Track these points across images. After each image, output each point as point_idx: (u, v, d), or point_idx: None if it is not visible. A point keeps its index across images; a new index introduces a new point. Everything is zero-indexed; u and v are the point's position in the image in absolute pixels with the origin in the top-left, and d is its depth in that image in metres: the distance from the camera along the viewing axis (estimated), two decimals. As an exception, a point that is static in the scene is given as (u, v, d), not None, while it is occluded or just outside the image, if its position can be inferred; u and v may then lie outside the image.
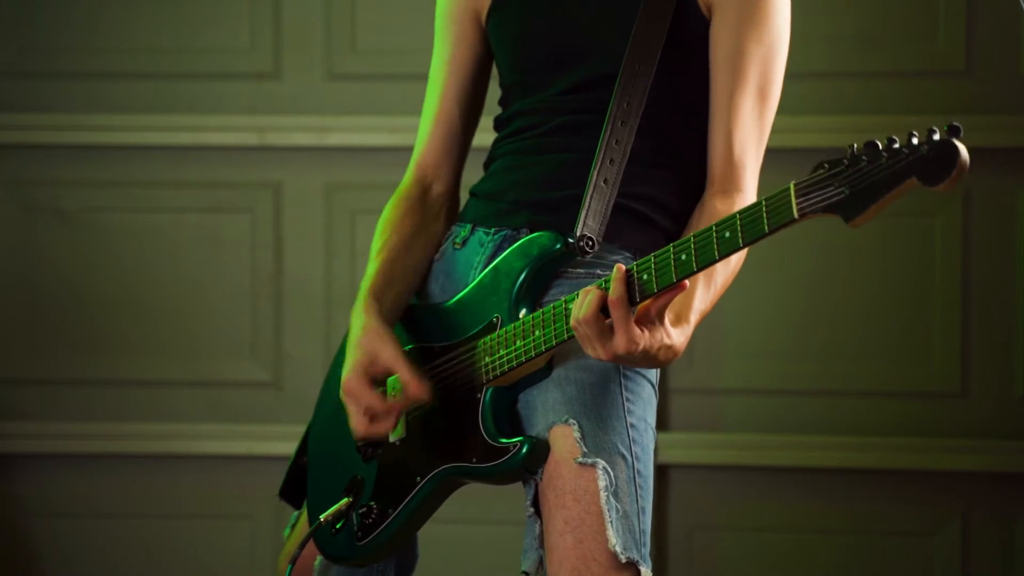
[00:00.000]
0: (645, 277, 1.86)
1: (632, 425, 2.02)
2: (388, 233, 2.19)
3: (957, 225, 3.60)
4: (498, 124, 2.22)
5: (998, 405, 3.60)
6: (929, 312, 3.61)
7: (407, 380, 2.05)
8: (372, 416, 2.07)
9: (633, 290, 1.87)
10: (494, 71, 2.26)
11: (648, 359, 1.90)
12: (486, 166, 2.23)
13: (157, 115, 3.72)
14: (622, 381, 2.03)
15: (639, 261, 1.88)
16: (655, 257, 1.86)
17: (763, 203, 1.78)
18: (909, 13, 3.61)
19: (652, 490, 2.03)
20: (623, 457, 1.99)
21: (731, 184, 2.06)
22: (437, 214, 2.24)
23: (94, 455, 3.74)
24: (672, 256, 1.85)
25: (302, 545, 2.16)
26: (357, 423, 2.08)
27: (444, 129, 2.25)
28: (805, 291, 3.63)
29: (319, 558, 2.20)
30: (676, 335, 1.93)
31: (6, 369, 3.76)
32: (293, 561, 2.15)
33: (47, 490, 3.77)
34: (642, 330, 1.87)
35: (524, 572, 2.03)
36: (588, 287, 1.90)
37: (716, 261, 1.82)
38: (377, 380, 2.08)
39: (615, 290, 1.86)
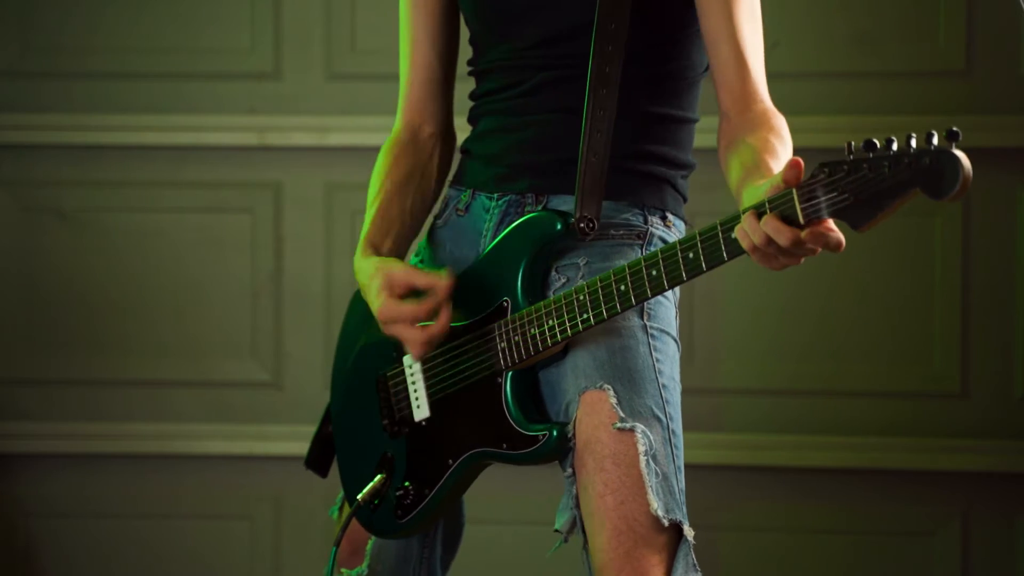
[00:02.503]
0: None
1: (663, 385, 2.04)
2: (381, 179, 2.21)
3: (957, 225, 3.60)
4: (473, 73, 2.23)
5: (998, 405, 3.60)
6: (929, 312, 3.61)
7: (429, 279, 2.05)
8: (419, 323, 2.06)
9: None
10: None
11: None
12: (471, 120, 2.23)
13: (157, 115, 3.72)
14: (650, 341, 2.05)
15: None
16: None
17: (767, 204, 1.77)
18: (909, 13, 3.61)
19: (683, 446, 2.05)
20: (658, 419, 2.01)
21: (755, 97, 2.05)
22: (431, 154, 2.25)
23: (94, 455, 3.74)
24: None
25: (344, 527, 2.19)
26: (412, 337, 2.05)
27: (423, 75, 2.26)
28: (805, 291, 3.63)
29: (371, 540, 2.23)
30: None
31: (6, 369, 3.76)
32: (338, 543, 2.19)
33: (47, 490, 3.77)
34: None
35: (557, 531, 2.05)
36: (747, 215, 1.79)
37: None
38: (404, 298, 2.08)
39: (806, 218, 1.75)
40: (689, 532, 1.99)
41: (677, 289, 2.13)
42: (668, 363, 2.06)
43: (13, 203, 3.76)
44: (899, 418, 3.61)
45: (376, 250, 2.13)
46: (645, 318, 2.05)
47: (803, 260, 1.80)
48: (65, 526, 3.77)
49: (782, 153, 1.98)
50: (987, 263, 3.60)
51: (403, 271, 2.07)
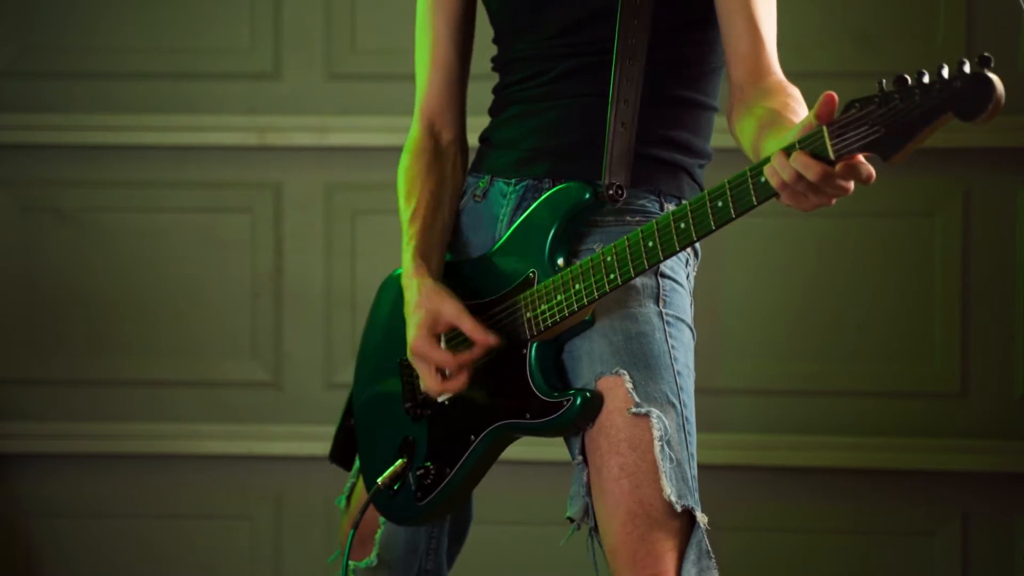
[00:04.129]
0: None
1: (678, 372, 2.04)
2: (416, 191, 2.19)
3: (957, 225, 3.60)
4: (497, 67, 2.22)
5: (998, 405, 3.60)
6: (929, 312, 3.61)
7: (474, 332, 2.06)
8: (443, 373, 2.07)
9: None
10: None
11: None
12: (492, 112, 2.23)
13: (157, 115, 3.72)
14: (666, 328, 2.05)
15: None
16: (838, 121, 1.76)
17: (796, 145, 1.76)
18: (909, 13, 3.61)
19: (696, 433, 2.05)
20: (672, 405, 2.01)
21: (772, 72, 2.05)
22: (453, 164, 2.25)
23: (94, 455, 3.74)
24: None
25: (363, 510, 2.18)
26: (431, 382, 2.08)
27: (443, 75, 2.25)
28: (805, 291, 3.63)
29: (380, 530, 2.23)
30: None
31: (6, 369, 3.76)
32: (355, 526, 2.18)
33: (47, 490, 3.77)
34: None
35: (569, 518, 2.05)
36: (777, 154, 1.78)
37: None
38: (442, 337, 2.09)
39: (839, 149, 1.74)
40: (702, 518, 2.00)
41: (692, 278, 2.14)
42: (683, 350, 2.07)
43: (13, 203, 3.76)
44: (899, 418, 3.61)
45: (427, 263, 2.13)
46: (661, 304, 2.06)
47: (834, 201, 1.78)
48: (65, 526, 3.77)
49: (802, 113, 1.95)
50: (987, 263, 3.60)
51: (453, 312, 2.07)
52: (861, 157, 1.74)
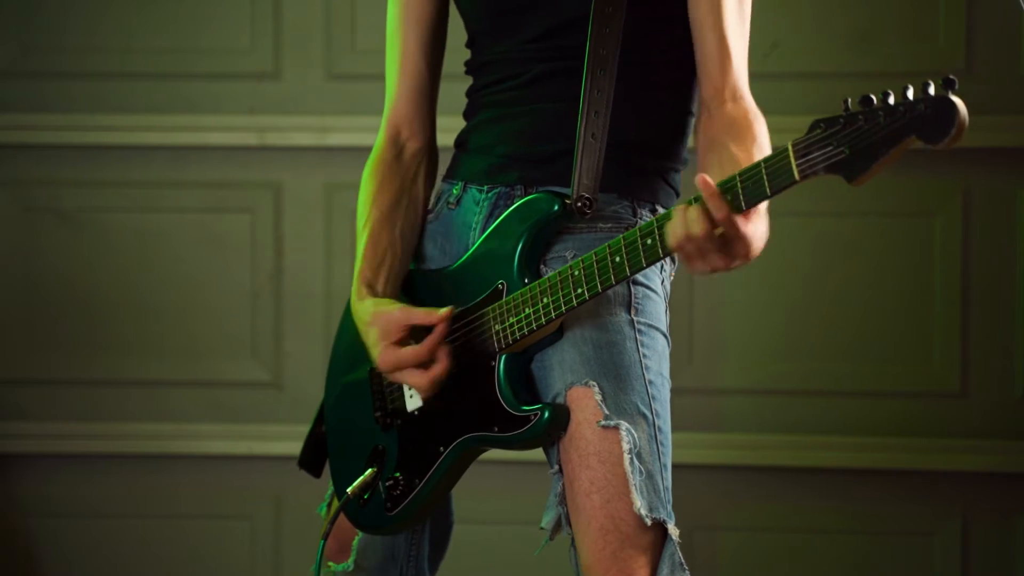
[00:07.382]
0: (729, 198, 1.81)
1: (650, 382, 2.02)
2: (368, 207, 2.19)
3: (957, 225, 3.60)
4: (471, 70, 2.21)
5: (998, 405, 3.60)
6: (929, 312, 3.61)
7: (427, 317, 2.05)
8: (423, 366, 2.05)
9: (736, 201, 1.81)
10: (453, 11, 2.24)
11: (753, 253, 1.85)
12: (466, 115, 2.22)
13: (157, 115, 3.72)
14: (637, 337, 2.04)
15: (721, 181, 1.81)
16: (740, 176, 1.80)
17: (762, 165, 1.77)
18: (909, 13, 3.61)
19: (671, 444, 2.04)
20: (644, 416, 2.00)
21: (736, 92, 2.05)
22: (415, 174, 2.23)
23: (94, 455, 3.74)
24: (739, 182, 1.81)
25: (333, 519, 2.17)
26: (417, 380, 2.05)
27: (411, 84, 2.24)
28: (805, 291, 3.63)
29: (358, 536, 2.22)
30: (763, 220, 1.86)
31: (6, 369, 3.76)
32: (325, 536, 2.17)
33: (47, 490, 3.77)
34: (753, 222, 1.82)
35: (542, 528, 2.05)
36: (678, 206, 1.84)
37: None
38: (403, 341, 2.07)
39: (720, 207, 1.79)
40: (674, 531, 1.98)
41: (668, 284, 2.13)
42: (656, 359, 2.05)
43: (13, 203, 3.76)
44: (899, 418, 3.61)
45: (371, 289, 2.12)
46: (633, 313, 2.05)
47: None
48: (65, 526, 3.78)
49: (765, 153, 1.97)
50: (987, 263, 3.60)
51: (399, 313, 2.06)
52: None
